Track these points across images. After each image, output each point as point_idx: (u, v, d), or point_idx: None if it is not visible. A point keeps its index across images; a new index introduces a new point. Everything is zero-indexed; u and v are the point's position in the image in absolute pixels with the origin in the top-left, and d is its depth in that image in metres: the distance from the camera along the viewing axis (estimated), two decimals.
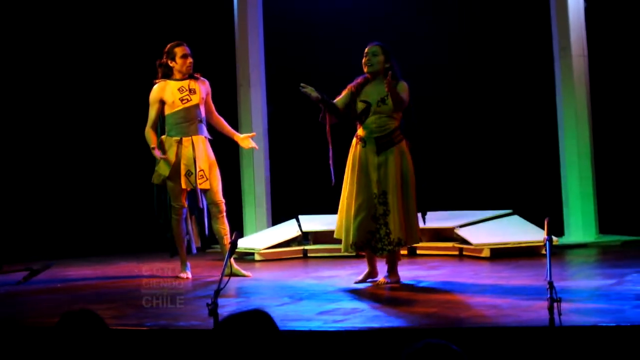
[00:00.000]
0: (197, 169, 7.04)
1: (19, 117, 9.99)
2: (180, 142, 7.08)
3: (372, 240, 6.33)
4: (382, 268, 6.58)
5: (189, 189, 7.12)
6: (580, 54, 8.63)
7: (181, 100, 7.10)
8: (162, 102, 7.12)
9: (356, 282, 6.52)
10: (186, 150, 7.07)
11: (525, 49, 9.24)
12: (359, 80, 6.53)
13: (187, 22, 9.69)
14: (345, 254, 6.75)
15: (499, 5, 9.40)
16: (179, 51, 7.13)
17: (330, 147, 6.57)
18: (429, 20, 9.56)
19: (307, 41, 9.74)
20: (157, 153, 6.97)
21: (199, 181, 7.04)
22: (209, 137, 7.24)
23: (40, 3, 10.00)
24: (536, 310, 4.84)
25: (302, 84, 6.42)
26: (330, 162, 6.56)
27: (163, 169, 7.07)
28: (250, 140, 7.42)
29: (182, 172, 7.05)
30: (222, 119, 7.37)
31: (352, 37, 8.43)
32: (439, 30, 9.50)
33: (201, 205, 7.20)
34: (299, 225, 8.77)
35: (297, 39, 9.77)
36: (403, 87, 6.38)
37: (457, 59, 9.49)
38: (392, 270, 6.48)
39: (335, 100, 6.52)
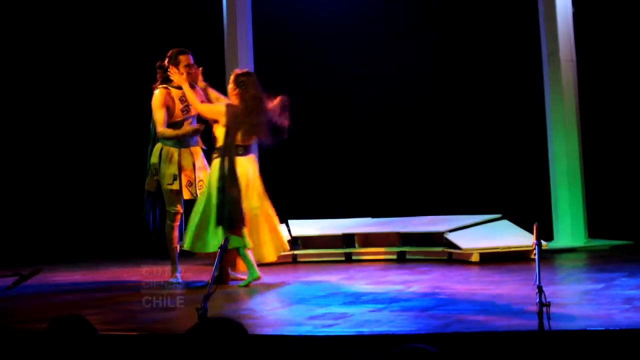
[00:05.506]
0: (197, 179, 7.05)
1: (7, 123, 9.97)
2: (180, 153, 7.07)
3: None
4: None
5: (191, 198, 7.13)
6: (568, 60, 8.65)
7: (182, 111, 7.08)
8: (168, 108, 7.07)
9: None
10: (186, 162, 7.06)
11: (514, 54, 9.27)
12: None
13: (176, 29, 9.67)
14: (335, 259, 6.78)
15: (487, 11, 9.42)
16: (183, 60, 7.06)
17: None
18: (416, 25, 9.57)
19: (297, 46, 9.73)
20: (193, 126, 7.05)
21: (199, 191, 7.04)
22: (204, 147, 7.25)
23: (25, 11, 9.98)
24: (525, 315, 4.85)
25: None
26: None
27: (168, 178, 7.01)
28: None
29: (184, 182, 7.03)
30: None
31: (340, 42, 8.45)
32: (427, 35, 9.51)
33: (181, 211, 7.21)
34: (289, 230, 8.76)
35: (286, 45, 9.77)
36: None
37: (446, 64, 9.51)
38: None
39: None
